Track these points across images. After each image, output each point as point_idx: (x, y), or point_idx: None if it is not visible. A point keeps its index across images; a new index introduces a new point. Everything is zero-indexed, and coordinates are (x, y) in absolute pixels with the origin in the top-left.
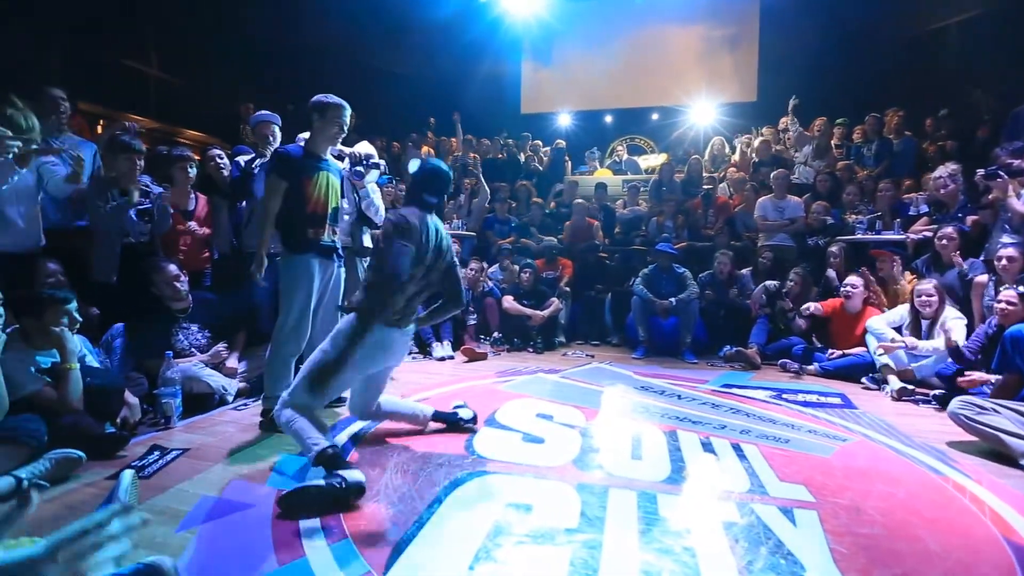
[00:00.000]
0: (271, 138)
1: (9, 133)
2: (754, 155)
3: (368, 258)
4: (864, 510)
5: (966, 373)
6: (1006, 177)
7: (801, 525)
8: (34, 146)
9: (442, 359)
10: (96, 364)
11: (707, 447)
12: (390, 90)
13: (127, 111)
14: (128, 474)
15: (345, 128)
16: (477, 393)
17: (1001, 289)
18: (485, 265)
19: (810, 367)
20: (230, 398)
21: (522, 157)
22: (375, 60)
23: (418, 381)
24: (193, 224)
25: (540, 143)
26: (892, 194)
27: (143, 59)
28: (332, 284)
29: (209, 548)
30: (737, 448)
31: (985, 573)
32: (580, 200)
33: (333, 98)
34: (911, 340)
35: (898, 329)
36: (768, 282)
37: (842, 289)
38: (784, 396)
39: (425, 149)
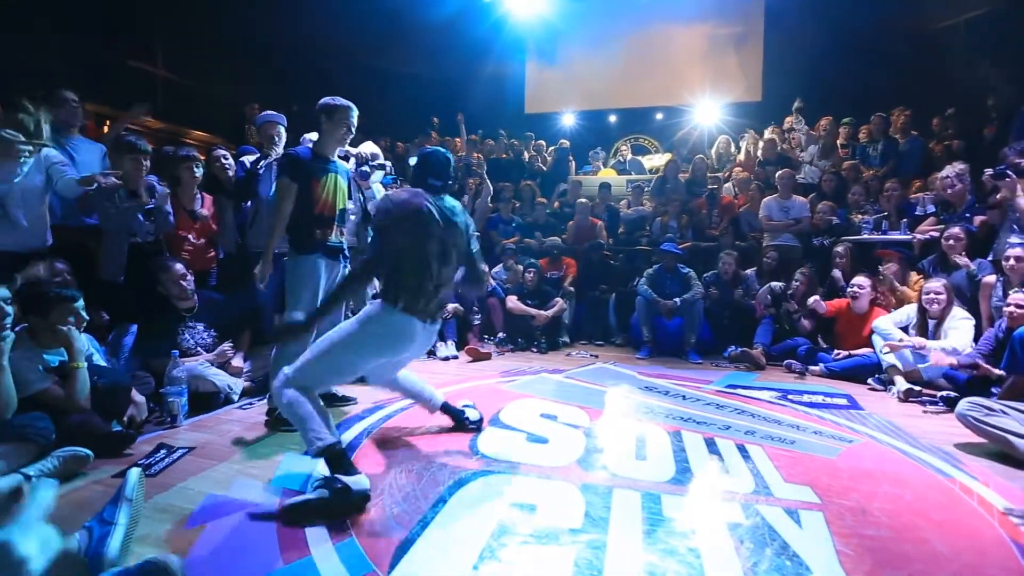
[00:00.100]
0: (276, 138)
1: (21, 137)
2: (759, 154)
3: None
4: (870, 512)
5: (981, 366)
6: (1014, 177)
7: (807, 527)
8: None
9: (446, 359)
10: (103, 363)
11: (712, 448)
12: (394, 90)
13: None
14: (135, 472)
15: (353, 129)
16: (481, 393)
17: (1011, 292)
18: (486, 267)
19: (816, 368)
20: (235, 397)
21: (526, 157)
22: (379, 60)
23: None
24: (204, 211)
25: (544, 143)
26: (898, 194)
27: (149, 59)
28: (335, 286)
29: (215, 546)
30: (742, 449)
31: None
32: (583, 199)
33: (340, 100)
34: (919, 340)
35: (905, 329)
36: (773, 283)
37: (849, 289)
38: (789, 397)
39: (428, 148)
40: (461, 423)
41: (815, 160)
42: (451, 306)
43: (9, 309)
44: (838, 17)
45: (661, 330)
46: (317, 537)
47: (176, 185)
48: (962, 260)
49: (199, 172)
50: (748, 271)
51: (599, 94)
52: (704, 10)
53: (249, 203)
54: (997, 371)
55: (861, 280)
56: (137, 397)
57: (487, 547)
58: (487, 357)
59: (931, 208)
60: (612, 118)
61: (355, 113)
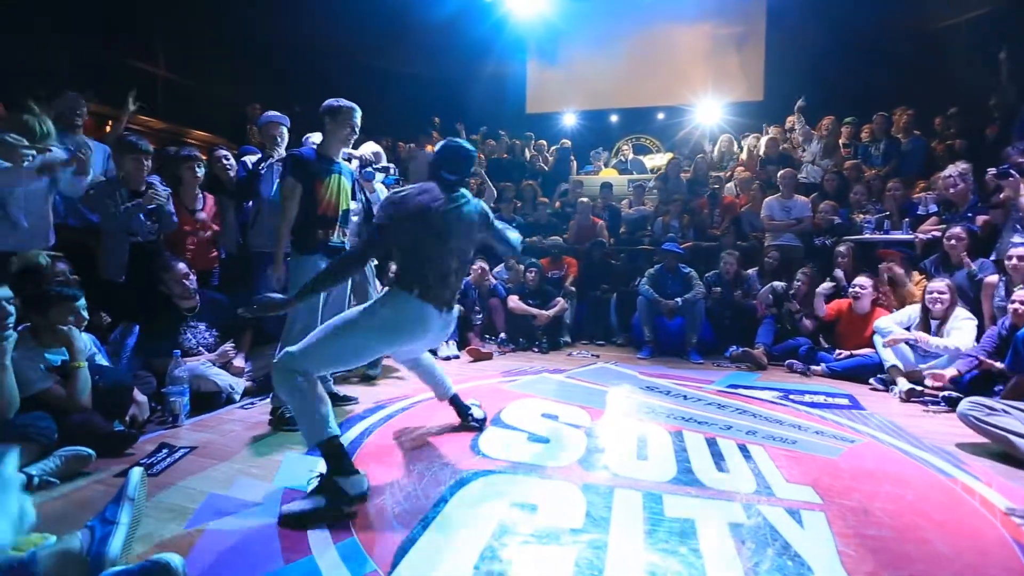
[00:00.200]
0: (279, 139)
1: (25, 142)
2: (761, 153)
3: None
4: (872, 512)
5: (984, 361)
6: (1018, 176)
7: (808, 527)
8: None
9: (447, 359)
10: (105, 363)
11: (713, 448)
12: (395, 90)
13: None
14: (137, 472)
15: (356, 130)
16: (482, 393)
17: (1015, 289)
18: (486, 266)
19: (817, 368)
20: (237, 397)
21: (527, 156)
22: (380, 60)
23: None
24: (200, 221)
25: (545, 143)
26: (901, 193)
27: (150, 60)
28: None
29: (216, 546)
30: (743, 449)
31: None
32: (584, 198)
33: (344, 101)
34: (918, 334)
35: (907, 329)
36: (775, 283)
37: (851, 290)
38: (791, 397)
39: (429, 148)
40: (465, 418)
41: (817, 160)
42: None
43: (11, 309)
44: (840, 17)
45: (662, 330)
46: (318, 537)
47: (178, 185)
48: (964, 260)
49: (201, 172)
50: (750, 271)
51: (600, 94)
52: (705, 10)
53: (251, 203)
54: (999, 364)
55: (863, 280)
56: (139, 397)
57: (488, 547)
58: (488, 357)
59: (933, 208)
60: (613, 118)
61: (358, 114)
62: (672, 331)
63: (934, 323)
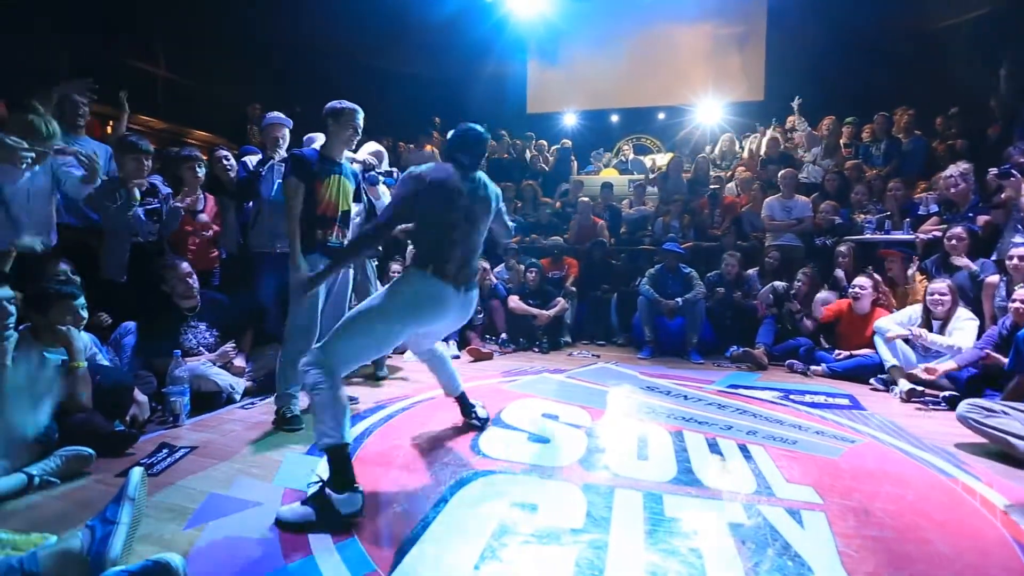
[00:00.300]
0: (281, 141)
1: (25, 144)
2: (762, 152)
3: (375, 259)
4: (872, 512)
5: (991, 355)
6: (1019, 176)
7: (809, 527)
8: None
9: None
10: (106, 362)
11: (713, 448)
12: (395, 90)
13: (135, 111)
14: (137, 471)
15: (359, 131)
16: (483, 393)
17: (1016, 288)
18: (487, 266)
19: (818, 368)
20: (237, 397)
21: (528, 156)
22: (381, 60)
23: (425, 380)
24: (201, 221)
25: (545, 143)
26: (902, 193)
27: (151, 60)
28: (339, 284)
29: (216, 545)
30: (744, 449)
31: None
32: (585, 198)
33: (346, 103)
34: (918, 330)
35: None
36: (776, 282)
37: (850, 291)
38: (791, 397)
39: (429, 148)
40: (470, 416)
41: (818, 160)
42: None
43: (12, 309)
44: (840, 17)
45: (663, 330)
46: (319, 537)
47: (179, 185)
48: (962, 261)
49: (201, 172)
50: (750, 271)
51: (601, 94)
52: (706, 10)
53: (251, 204)
54: (1003, 359)
55: (862, 281)
56: (139, 396)
57: (488, 547)
58: (489, 357)
59: (934, 208)
60: (614, 118)
61: (361, 115)
62: (672, 331)
63: (936, 324)
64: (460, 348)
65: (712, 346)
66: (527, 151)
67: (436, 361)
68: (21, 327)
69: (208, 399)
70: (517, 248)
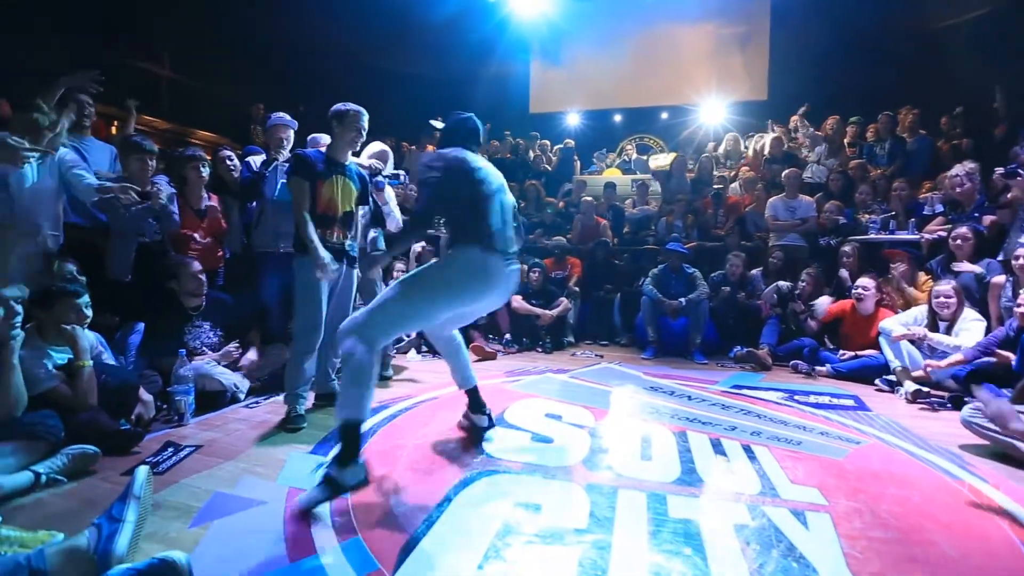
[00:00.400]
0: (285, 142)
1: (26, 144)
2: (767, 152)
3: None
4: (878, 513)
5: (998, 353)
6: None
7: (813, 528)
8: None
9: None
10: (111, 362)
11: (717, 448)
12: (398, 90)
13: (140, 112)
14: (143, 470)
15: (363, 132)
16: (486, 392)
17: (1021, 291)
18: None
19: (822, 368)
20: (242, 396)
21: (531, 156)
22: (383, 60)
23: (428, 380)
24: (205, 221)
25: (548, 143)
26: (906, 193)
27: (155, 60)
28: (342, 286)
29: (221, 544)
30: (748, 450)
31: None
32: (588, 198)
33: (351, 105)
34: (922, 330)
35: None
36: (780, 282)
37: (854, 292)
38: (796, 397)
39: (431, 148)
40: (478, 411)
41: (822, 159)
42: None
43: (19, 308)
44: (844, 16)
45: (666, 330)
46: (323, 536)
47: (183, 185)
48: (964, 267)
49: (205, 172)
50: (754, 271)
51: (604, 94)
52: (709, 9)
53: (254, 204)
54: (1011, 355)
55: (866, 282)
56: (144, 395)
57: (492, 547)
58: (492, 357)
59: (939, 208)
60: (617, 118)
61: (365, 117)
62: (676, 331)
63: (942, 325)
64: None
65: (716, 346)
66: (530, 151)
67: (453, 349)
68: (26, 326)
69: (212, 398)
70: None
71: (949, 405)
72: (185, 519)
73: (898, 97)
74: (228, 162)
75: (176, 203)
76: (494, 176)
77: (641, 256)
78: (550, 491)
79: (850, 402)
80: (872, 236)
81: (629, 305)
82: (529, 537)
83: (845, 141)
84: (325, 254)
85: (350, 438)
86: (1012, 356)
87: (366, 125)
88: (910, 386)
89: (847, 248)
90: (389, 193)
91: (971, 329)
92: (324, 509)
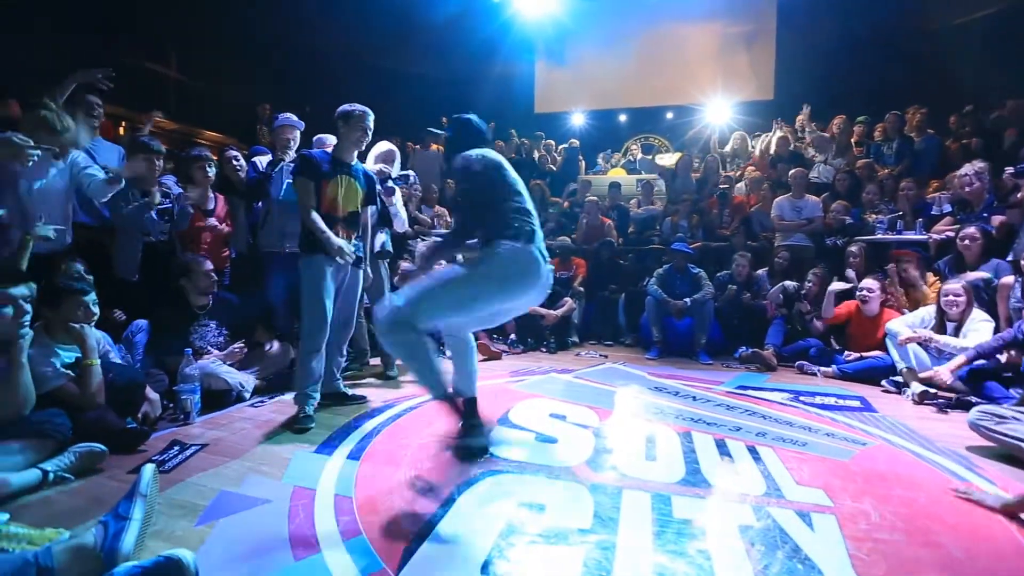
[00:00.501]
0: (292, 142)
1: (31, 142)
2: (773, 150)
3: (388, 259)
4: (884, 515)
5: (1007, 349)
6: None
7: (819, 529)
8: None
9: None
10: (118, 360)
11: (722, 449)
12: (403, 90)
13: (147, 112)
14: (149, 468)
15: (369, 132)
16: (490, 392)
17: None
18: None
19: (828, 369)
20: (247, 395)
21: (536, 156)
22: (388, 60)
23: None
24: (213, 220)
25: (553, 142)
26: (914, 193)
27: (162, 61)
28: (348, 285)
29: (226, 542)
30: (753, 450)
31: None
32: (593, 197)
33: (357, 106)
34: (928, 333)
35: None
36: (787, 282)
37: (858, 293)
38: (801, 398)
39: (435, 147)
40: (470, 421)
41: (829, 159)
42: None
43: (28, 307)
44: (850, 15)
45: (671, 330)
46: (327, 535)
47: (190, 185)
48: (972, 276)
49: (212, 172)
50: (760, 271)
51: (609, 93)
52: (715, 9)
53: (260, 204)
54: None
55: (870, 283)
56: (151, 394)
57: (496, 546)
58: (498, 356)
59: (947, 207)
60: (622, 117)
61: (371, 117)
62: (681, 331)
63: (950, 325)
64: None
65: (721, 347)
66: (535, 151)
67: (464, 350)
68: (34, 324)
69: (218, 397)
70: None
71: (956, 407)
72: (191, 517)
73: (906, 96)
74: (234, 162)
75: (183, 203)
76: (517, 175)
77: (646, 256)
78: (554, 491)
79: (856, 403)
80: (879, 236)
81: (634, 305)
82: (533, 537)
83: (852, 140)
84: (337, 239)
85: (454, 411)
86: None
87: (372, 125)
88: (917, 387)
89: (854, 248)
90: (396, 193)
91: (979, 330)
92: (328, 510)
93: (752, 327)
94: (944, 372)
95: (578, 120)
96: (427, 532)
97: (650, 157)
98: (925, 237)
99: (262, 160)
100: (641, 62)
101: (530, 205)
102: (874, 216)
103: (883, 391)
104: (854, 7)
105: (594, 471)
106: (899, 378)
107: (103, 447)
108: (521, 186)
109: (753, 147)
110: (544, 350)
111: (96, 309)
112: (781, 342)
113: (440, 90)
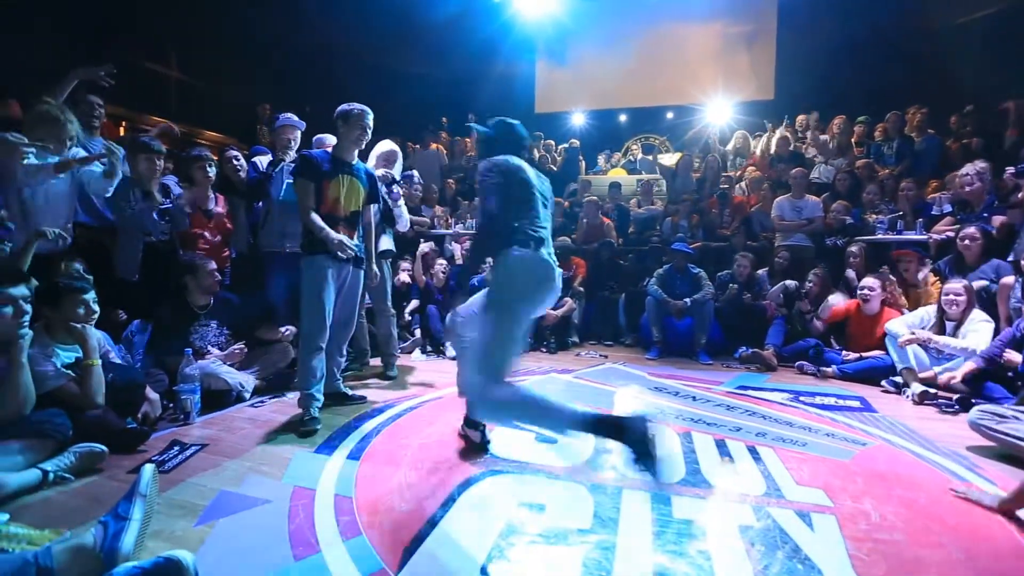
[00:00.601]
0: (292, 142)
1: (25, 140)
2: (773, 150)
3: (390, 259)
4: (884, 515)
5: (1004, 354)
6: None
7: (819, 530)
8: (71, 154)
9: (455, 358)
10: (118, 360)
11: (722, 449)
12: (403, 90)
13: (148, 112)
14: (149, 468)
15: (368, 131)
16: None
17: None
18: None
19: (828, 369)
20: (247, 395)
21: (536, 156)
22: (389, 60)
23: (432, 380)
24: (217, 208)
25: (553, 142)
26: (914, 193)
27: (162, 61)
28: (349, 285)
29: (226, 542)
30: (753, 451)
31: None
32: (593, 197)
33: (356, 105)
34: (926, 333)
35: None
36: (787, 281)
37: (859, 292)
38: (801, 398)
39: (435, 147)
40: (474, 426)
41: (829, 159)
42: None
43: (28, 307)
44: (851, 15)
45: (671, 330)
46: (327, 535)
47: (190, 185)
48: (977, 286)
49: (212, 172)
50: (760, 271)
51: (609, 93)
52: (716, 8)
53: (260, 204)
54: (1019, 356)
55: (871, 282)
56: (151, 394)
57: (496, 546)
58: None
59: (948, 208)
60: (622, 117)
61: (370, 116)
62: (681, 332)
63: (950, 325)
64: None
65: (721, 347)
66: (535, 151)
67: (467, 350)
68: (35, 324)
69: (218, 397)
70: None
71: (957, 406)
72: (191, 517)
73: (906, 96)
74: (234, 162)
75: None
76: (545, 186)
77: (646, 256)
78: (554, 491)
79: (856, 403)
80: (879, 236)
81: (634, 305)
82: (533, 537)
83: (852, 140)
84: (336, 235)
85: (602, 431)
86: (1020, 357)
87: (371, 123)
88: (917, 387)
89: (854, 248)
90: (400, 201)
91: (979, 330)
92: (328, 510)
93: (752, 327)
94: (957, 376)
95: (578, 120)
96: (427, 532)
97: (650, 157)
98: (925, 237)
99: (262, 160)
100: (641, 62)
101: (544, 212)
102: (874, 216)
103: (883, 391)
104: (854, 7)
105: (594, 471)
106: (899, 378)
107: (103, 447)
108: (540, 193)
109: (753, 148)
110: (544, 350)
111: (96, 307)
112: (781, 342)
113: (440, 90)
